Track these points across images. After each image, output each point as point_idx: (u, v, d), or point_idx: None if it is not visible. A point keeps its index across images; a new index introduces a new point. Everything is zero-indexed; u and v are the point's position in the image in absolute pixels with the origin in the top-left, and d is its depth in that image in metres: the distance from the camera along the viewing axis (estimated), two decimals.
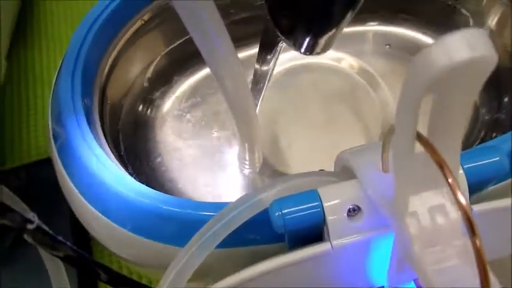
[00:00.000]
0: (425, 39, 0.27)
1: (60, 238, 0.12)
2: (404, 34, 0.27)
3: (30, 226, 0.12)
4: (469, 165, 0.16)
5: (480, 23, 0.25)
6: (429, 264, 0.12)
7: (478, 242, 0.11)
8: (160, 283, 0.16)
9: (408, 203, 0.13)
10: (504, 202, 0.16)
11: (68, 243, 0.12)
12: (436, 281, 0.12)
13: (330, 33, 0.15)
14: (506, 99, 0.24)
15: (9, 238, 0.34)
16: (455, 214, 0.13)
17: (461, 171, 0.15)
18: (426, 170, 0.12)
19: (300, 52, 0.16)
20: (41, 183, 0.35)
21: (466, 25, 0.25)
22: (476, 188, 0.17)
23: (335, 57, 0.26)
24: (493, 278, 0.12)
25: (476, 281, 0.11)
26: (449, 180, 0.11)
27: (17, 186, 0.35)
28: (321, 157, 0.24)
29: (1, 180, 0.33)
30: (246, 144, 0.22)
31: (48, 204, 0.34)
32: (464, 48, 0.09)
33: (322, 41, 0.16)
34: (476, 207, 0.16)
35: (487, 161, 0.16)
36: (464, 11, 0.25)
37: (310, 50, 0.16)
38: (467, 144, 0.25)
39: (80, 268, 0.12)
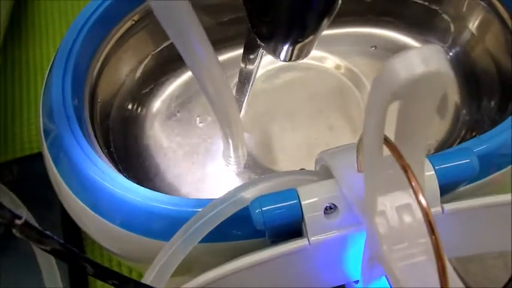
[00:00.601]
0: (409, 41, 0.27)
1: (48, 233, 0.13)
2: (389, 36, 0.28)
3: (18, 221, 0.12)
4: (440, 167, 0.16)
5: (461, 26, 0.26)
6: (396, 260, 0.13)
7: (437, 240, 0.11)
8: (145, 276, 0.17)
9: (377, 202, 0.14)
10: (475, 201, 0.17)
11: (55, 237, 0.13)
12: (402, 277, 0.13)
13: (307, 41, 0.15)
14: (485, 102, 0.25)
15: (0, 229, 0.35)
16: (420, 214, 0.14)
17: (432, 172, 0.16)
18: (394, 172, 0.13)
19: (279, 59, 0.17)
20: (33, 178, 0.35)
21: (447, 29, 0.26)
22: (449, 187, 0.18)
23: (321, 57, 0.27)
24: (452, 274, 0.13)
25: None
26: (413, 183, 0.12)
27: (9, 180, 0.35)
28: (305, 154, 0.24)
29: None
30: (230, 142, 0.23)
31: (39, 198, 0.34)
32: (420, 63, 0.10)
33: (300, 48, 0.16)
34: (447, 206, 0.17)
35: (458, 163, 0.17)
36: (445, 16, 0.26)
37: (288, 57, 0.17)
38: (448, 142, 0.26)
39: (67, 261, 0.13)
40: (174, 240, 0.17)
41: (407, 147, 0.12)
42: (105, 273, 0.14)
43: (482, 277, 0.27)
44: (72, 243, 0.35)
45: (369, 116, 0.12)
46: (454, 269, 0.24)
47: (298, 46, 0.16)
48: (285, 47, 0.16)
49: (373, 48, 0.28)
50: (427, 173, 0.16)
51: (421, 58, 0.10)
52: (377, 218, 0.14)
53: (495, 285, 0.26)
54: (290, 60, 0.17)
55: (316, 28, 0.14)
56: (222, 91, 0.19)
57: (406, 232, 0.13)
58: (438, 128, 0.25)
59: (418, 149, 0.12)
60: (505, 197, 0.17)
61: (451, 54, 0.27)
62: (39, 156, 0.38)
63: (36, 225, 0.13)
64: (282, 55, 0.17)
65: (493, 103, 0.24)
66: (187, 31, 0.16)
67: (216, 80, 0.18)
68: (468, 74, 0.26)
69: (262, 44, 0.17)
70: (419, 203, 0.12)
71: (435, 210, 0.16)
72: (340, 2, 0.13)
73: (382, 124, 0.12)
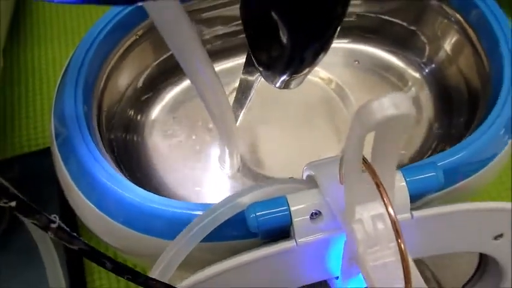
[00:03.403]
0: (389, 57, 0.30)
1: (75, 234, 0.15)
2: (371, 52, 0.30)
3: (53, 225, 0.14)
4: (411, 179, 0.19)
5: (436, 46, 0.28)
6: (369, 261, 0.16)
7: (402, 245, 0.14)
8: (152, 271, 0.19)
9: (355, 211, 0.16)
10: (440, 209, 0.20)
11: (81, 238, 0.15)
12: (374, 276, 0.15)
13: (304, 73, 0.18)
14: (455, 117, 0.28)
15: (3, 224, 0.36)
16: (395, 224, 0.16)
17: (403, 183, 0.19)
18: (370, 186, 0.16)
19: (275, 87, 0.19)
20: (33, 175, 0.37)
21: (424, 48, 0.29)
22: (418, 196, 0.20)
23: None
24: (416, 274, 0.15)
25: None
26: (384, 198, 0.14)
27: (11, 177, 0.37)
28: (293, 161, 0.27)
29: None
30: (226, 149, 0.25)
31: (39, 195, 0.36)
32: (391, 107, 0.12)
33: (295, 79, 0.18)
34: (416, 213, 0.19)
35: (425, 176, 0.19)
36: (422, 37, 0.28)
37: (283, 86, 0.19)
38: (421, 153, 0.28)
39: (91, 259, 0.15)
40: (179, 239, 0.20)
41: (380, 167, 0.15)
42: (121, 269, 0.16)
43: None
44: (69, 221, 0.37)
45: (349, 142, 0.14)
46: (431, 272, 0.27)
47: (294, 78, 0.18)
48: (282, 78, 0.18)
49: (356, 62, 0.30)
50: (399, 184, 0.19)
51: (392, 102, 0.12)
52: (355, 225, 0.16)
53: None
54: (285, 88, 0.19)
55: (313, 62, 0.17)
56: (220, 102, 0.21)
57: (378, 237, 0.16)
58: (413, 140, 0.28)
59: (390, 168, 0.15)
60: (465, 205, 0.20)
61: (426, 71, 0.29)
62: (39, 154, 0.40)
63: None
64: (278, 84, 0.19)
65: (462, 119, 0.26)
66: (189, 48, 0.18)
67: (214, 92, 0.20)
68: (441, 90, 0.29)
69: (260, 69, 0.19)
70: (389, 214, 0.14)
71: (405, 216, 0.19)
72: (336, 36, 0.16)
73: (360, 149, 0.14)
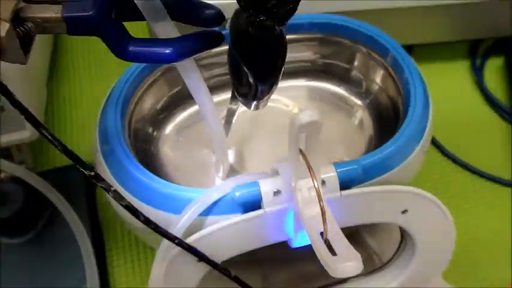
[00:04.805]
0: (339, 90, 0.40)
1: (122, 194, 0.25)
2: (325, 86, 0.40)
3: (112, 189, 0.24)
4: (340, 170, 0.29)
5: (370, 80, 0.38)
6: (304, 215, 0.25)
7: (322, 202, 0.24)
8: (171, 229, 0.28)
9: (298, 184, 0.26)
10: (359, 189, 0.30)
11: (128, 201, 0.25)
12: (307, 223, 0.25)
13: (267, 97, 0.28)
14: (388, 133, 0.37)
15: (43, 219, 0.45)
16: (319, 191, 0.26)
17: (334, 173, 0.29)
18: (305, 167, 0.26)
19: (250, 109, 0.29)
20: (64, 184, 0.44)
21: (362, 82, 0.39)
22: (346, 182, 0.30)
23: (278, 100, 0.40)
24: (336, 228, 0.25)
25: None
26: (312, 175, 0.24)
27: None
28: (267, 163, 0.36)
29: None
30: (219, 158, 0.35)
31: (69, 200, 0.44)
32: (308, 116, 0.22)
33: (263, 102, 0.29)
34: (343, 193, 0.29)
35: (349, 168, 0.29)
36: (359, 74, 0.39)
37: (256, 108, 0.29)
38: None
39: (132, 212, 0.25)
40: (185, 212, 0.29)
41: (310, 155, 0.25)
42: (149, 221, 0.26)
43: None
44: (95, 227, 0.46)
45: (289, 139, 0.24)
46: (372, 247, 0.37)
47: (260, 102, 0.29)
48: (253, 103, 0.29)
49: (315, 94, 0.41)
50: (331, 174, 0.29)
51: (308, 114, 0.22)
52: (297, 193, 0.26)
53: None
54: (257, 109, 0.29)
55: (269, 91, 0.27)
56: (215, 123, 0.31)
57: (310, 199, 0.26)
58: (358, 151, 0.38)
59: (316, 156, 0.25)
60: (378, 188, 0.30)
61: (366, 98, 0.40)
62: (68, 168, 0.48)
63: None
64: (252, 107, 0.29)
65: (389, 135, 0.37)
66: (197, 85, 0.28)
67: (212, 114, 0.30)
68: (378, 112, 0.39)
69: (239, 98, 0.29)
70: (315, 188, 0.24)
71: (336, 194, 0.29)
72: (280, 77, 0.26)
73: (297, 144, 0.24)
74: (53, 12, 0.19)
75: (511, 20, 0.55)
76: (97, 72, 0.56)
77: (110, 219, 0.47)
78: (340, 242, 0.23)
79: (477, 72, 0.58)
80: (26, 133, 0.41)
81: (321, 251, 0.23)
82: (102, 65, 0.57)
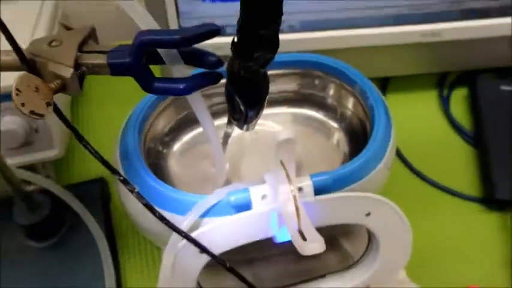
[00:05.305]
0: (319, 115, 0.48)
1: (138, 191, 0.32)
2: (306, 112, 0.48)
3: (136, 190, 0.31)
4: (315, 179, 0.36)
5: (343, 106, 0.46)
6: (285, 213, 0.33)
7: (297, 202, 0.31)
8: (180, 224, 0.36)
9: (279, 189, 0.33)
10: (331, 195, 0.37)
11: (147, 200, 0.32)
12: (287, 219, 0.32)
13: (256, 120, 0.36)
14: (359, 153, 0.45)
15: (66, 226, 0.52)
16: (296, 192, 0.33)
17: (310, 182, 0.36)
18: (285, 175, 0.33)
19: (243, 130, 0.37)
20: (84, 197, 0.51)
21: (336, 108, 0.47)
22: (320, 189, 0.37)
23: (266, 124, 0.48)
24: (309, 225, 0.32)
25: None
26: (289, 182, 0.31)
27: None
28: (258, 175, 0.44)
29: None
30: (219, 170, 0.42)
31: (91, 209, 0.51)
32: (286, 134, 0.30)
33: (252, 124, 0.36)
34: (317, 198, 0.36)
35: (321, 178, 0.36)
36: (333, 102, 0.47)
37: (247, 129, 0.37)
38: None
39: (149, 209, 0.32)
40: (189, 213, 0.36)
41: (289, 165, 0.32)
42: (162, 218, 0.33)
43: None
44: (110, 234, 0.52)
45: (275, 154, 0.32)
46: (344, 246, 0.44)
47: (251, 124, 0.36)
48: (245, 126, 0.36)
49: (297, 118, 0.48)
50: (308, 182, 0.36)
51: (285, 133, 0.30)
52: (280, 196, 0.33)
53: None
54: (248, 130, 0.37)
55: (257, 116, 0.35)
56: (216, 142, 0.39)
57: (289, 200, 0.33)
58: (336, 166, 0.45)
59: (291, 166, 0.32)
60: (344, 193, 0.37)
61: (341, 122, 0.47)
62: (87, 183, 0.56)
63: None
64: (244, 129, 0.37)
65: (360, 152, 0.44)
66: (202, 112, 0.36)
67: (214, 135, 0.38)
68: (352, 135, 0.46)
69: (234, 122, 0.37)
70: (291, 190, 0.31)
71: (311, 199, 0.36)
72: (265, 105, 0.34)
73: (278, 157, 0.32)
74: (100, 59, 0.26)
75: (474, 55, 0.64)
76: (114, 99, 0.65)
77: (123, 227, 0.55)
78: (310, 231, 0.30)
79: (444, 101, 0.67)
80: (55, 151, 0.48)
81: (296, 238, 0.30)
82: (117, 94, 0.65)
